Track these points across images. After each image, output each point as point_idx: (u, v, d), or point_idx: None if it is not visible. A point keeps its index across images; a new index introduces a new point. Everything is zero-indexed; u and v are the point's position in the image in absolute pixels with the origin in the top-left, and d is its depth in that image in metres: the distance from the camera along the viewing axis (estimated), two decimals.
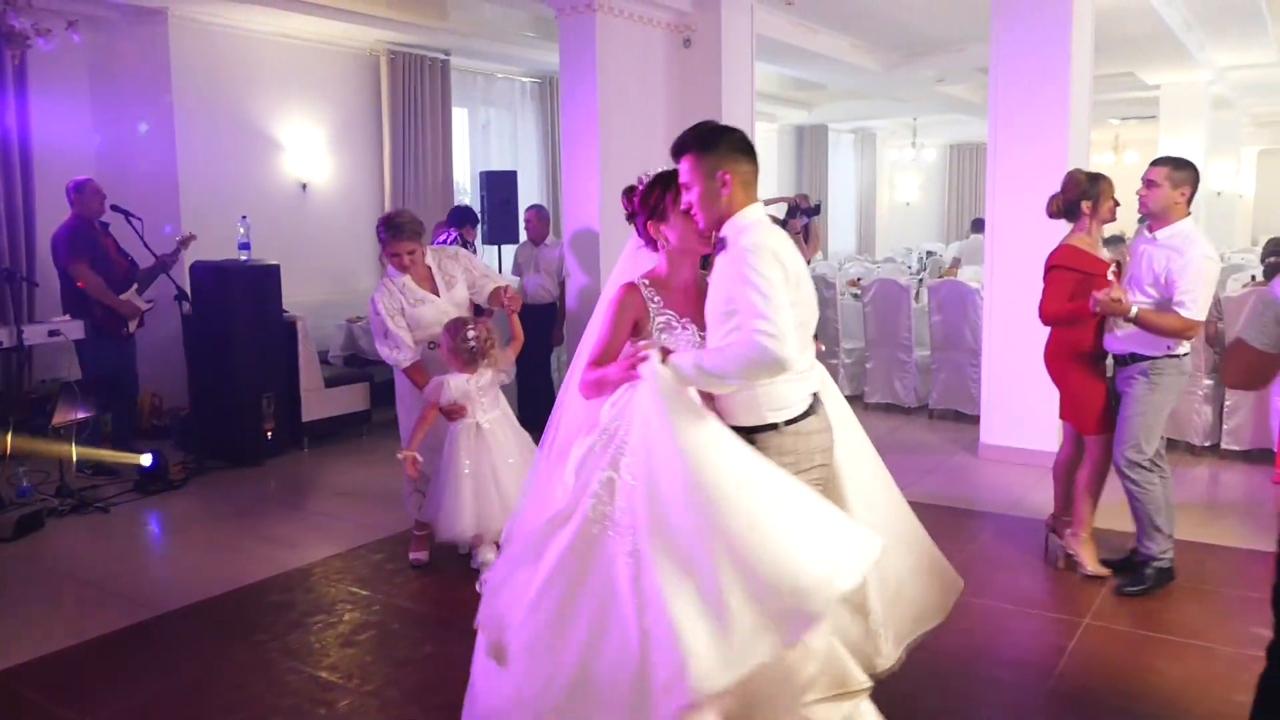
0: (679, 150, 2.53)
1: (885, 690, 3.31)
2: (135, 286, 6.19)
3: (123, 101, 7.37)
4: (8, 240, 6.76)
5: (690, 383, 2.42)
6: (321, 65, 8.38)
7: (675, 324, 2.62)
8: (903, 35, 10.13)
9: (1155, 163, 4.03)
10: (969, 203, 18.67)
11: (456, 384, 4.10)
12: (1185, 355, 4.02)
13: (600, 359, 2.58)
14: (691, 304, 2.62)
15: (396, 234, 4.20)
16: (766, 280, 2.33)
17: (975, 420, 6.68)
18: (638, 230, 2.73)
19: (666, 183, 2.60)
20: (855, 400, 8.06)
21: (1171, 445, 6.35)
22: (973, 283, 7.35)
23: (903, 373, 7.75)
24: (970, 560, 4.53)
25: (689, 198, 2.51)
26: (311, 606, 4.16)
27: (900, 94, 13.07)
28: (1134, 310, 3.83)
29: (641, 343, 2.52)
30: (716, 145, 2.49)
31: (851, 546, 2.32)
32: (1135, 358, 4.01)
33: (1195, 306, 3.82)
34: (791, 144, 15.85)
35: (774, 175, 15.01)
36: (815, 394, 2.67)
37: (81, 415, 5.71)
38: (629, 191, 2.74)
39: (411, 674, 3.55)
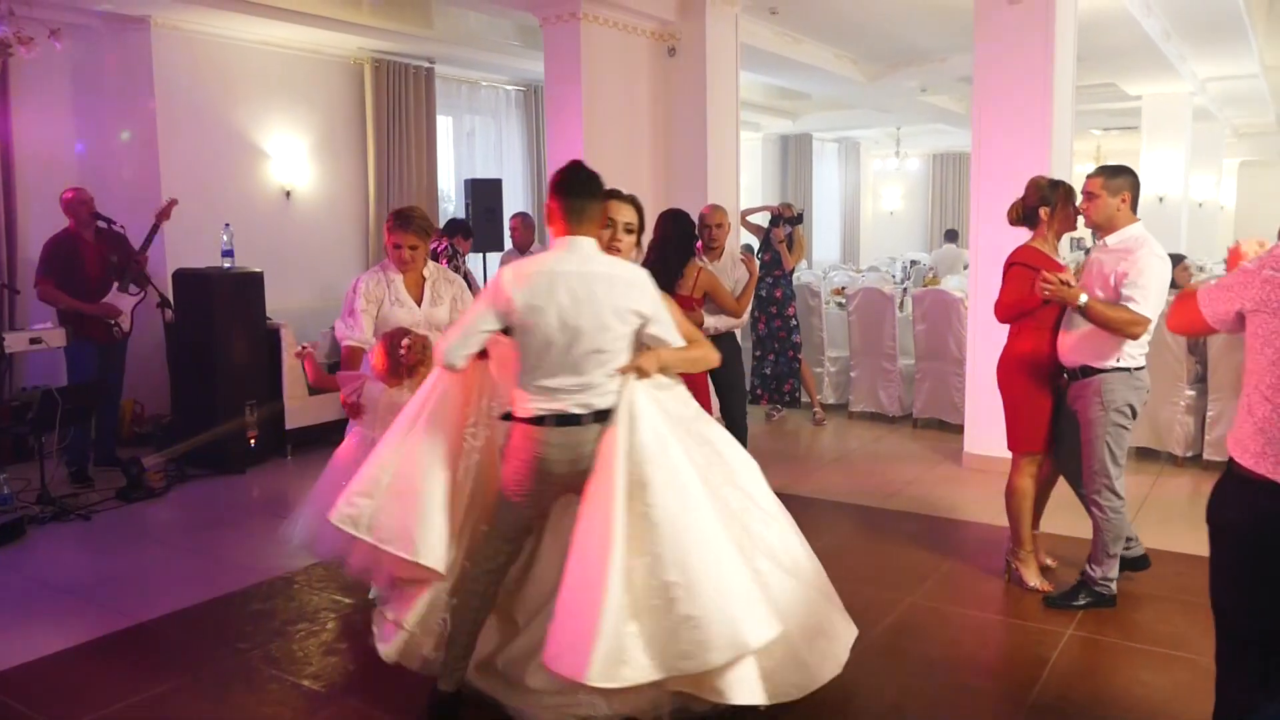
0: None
1: (870, 700, 3.33)
2: (115, 286, 6.15)
3: (105, 109, 7.34)
4: None
5: None
6: (305, 73, 8.37)
7: None
8: (886, 45, 10.20)
9: (1091, 174, 4.01)
10: (952, 212, 18.78)
11: (371, 389, 3.93)
12: (1138, 370, 3.93)
13: None
14: None
15: (404, 224, 4.10)
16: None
17: (959, 430, 6.71)
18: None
19: None
20: (840, 409, 8.11)
21: (1153, 455, 6.42)
22: (957, 292, 7.39)
23: (887, 382, 7.78)
24: (954, 570, 4.55)
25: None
26: (294, 615, 4.14)
27: (884, 104, 13.15)
28: (1083, 298, 3.77)
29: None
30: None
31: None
32: (1086, 371, 3.94)
33: (1145, 302, 3.77)
34: (776, 153, 15.92)
35: (759, 184, 15.07)
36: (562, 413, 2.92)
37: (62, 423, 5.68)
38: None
39: (394, 684, 3.53)
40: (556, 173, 2.99)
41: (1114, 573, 4.05)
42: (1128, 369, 3.91)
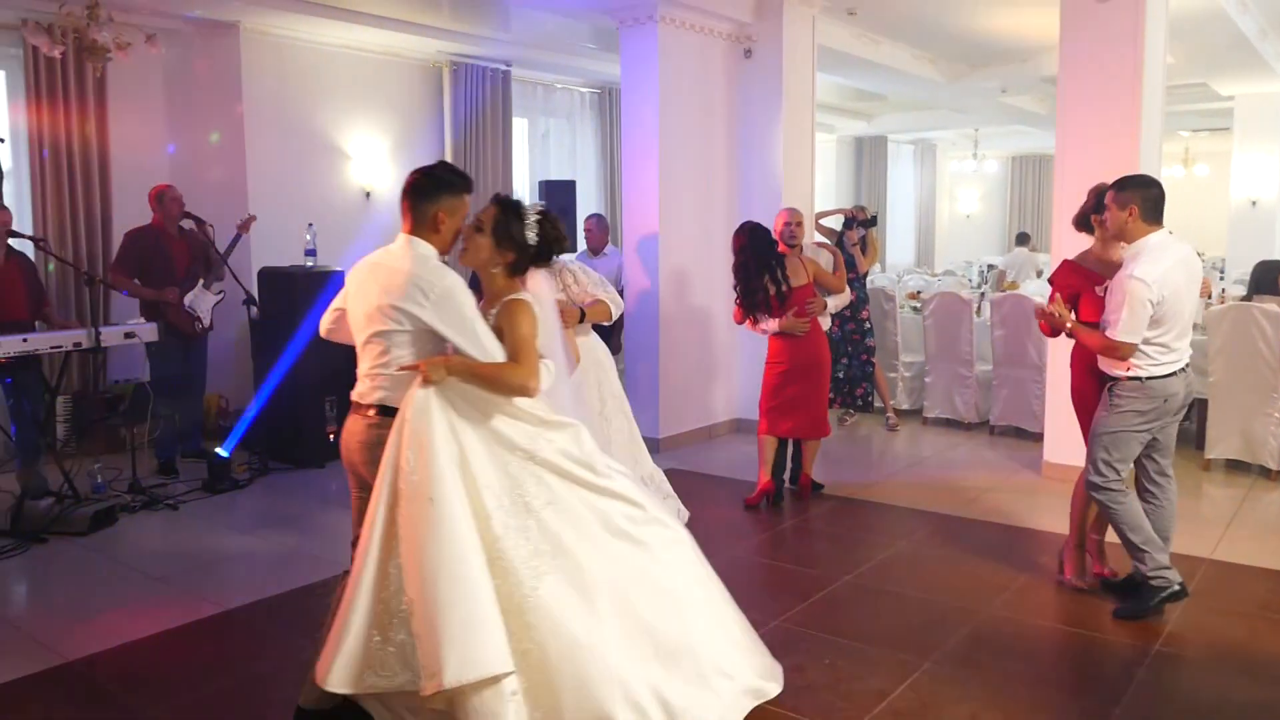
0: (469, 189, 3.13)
1: (945, 713, 3.27)
2: (201, 283, 6.35)
3: (196, 112, 7.57)
4: (86, 246, 6.99)
5: None
6: (386, 76, 8.53)
7: None
8: (967, 46, 10.03)
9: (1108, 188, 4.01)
10: (1032, 215, 18.37)
11: None
12: (1151, 379, 3.87)
13: None
14: None
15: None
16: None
17: (1038, 438, 6.56)
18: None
19: None
20: (913, 415, 7.99)
21: (1244, 468, 6.21)
22: (1037, 298, 7.23)
23: (963, 388, 7.64)
24: (1032, 582, 4.45)
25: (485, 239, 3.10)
26: None
27: (962, 105, 12.92)
28: (1069, 324, 3.93)
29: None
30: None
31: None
32: (1105, 378, 4.02)
33: (1115, 326, 3.77)
34: (850, 155, 15.75)
35: (833, 186, 14.92)
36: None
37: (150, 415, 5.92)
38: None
39: None
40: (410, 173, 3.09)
41: (1162, 559, 3.97)
42: (1139, 379, 3.89)
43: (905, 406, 8.11)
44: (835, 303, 5.75)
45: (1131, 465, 4.09)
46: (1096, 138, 5.88)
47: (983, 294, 9.07)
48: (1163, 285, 3.76)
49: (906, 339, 8.21)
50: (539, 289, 3.23)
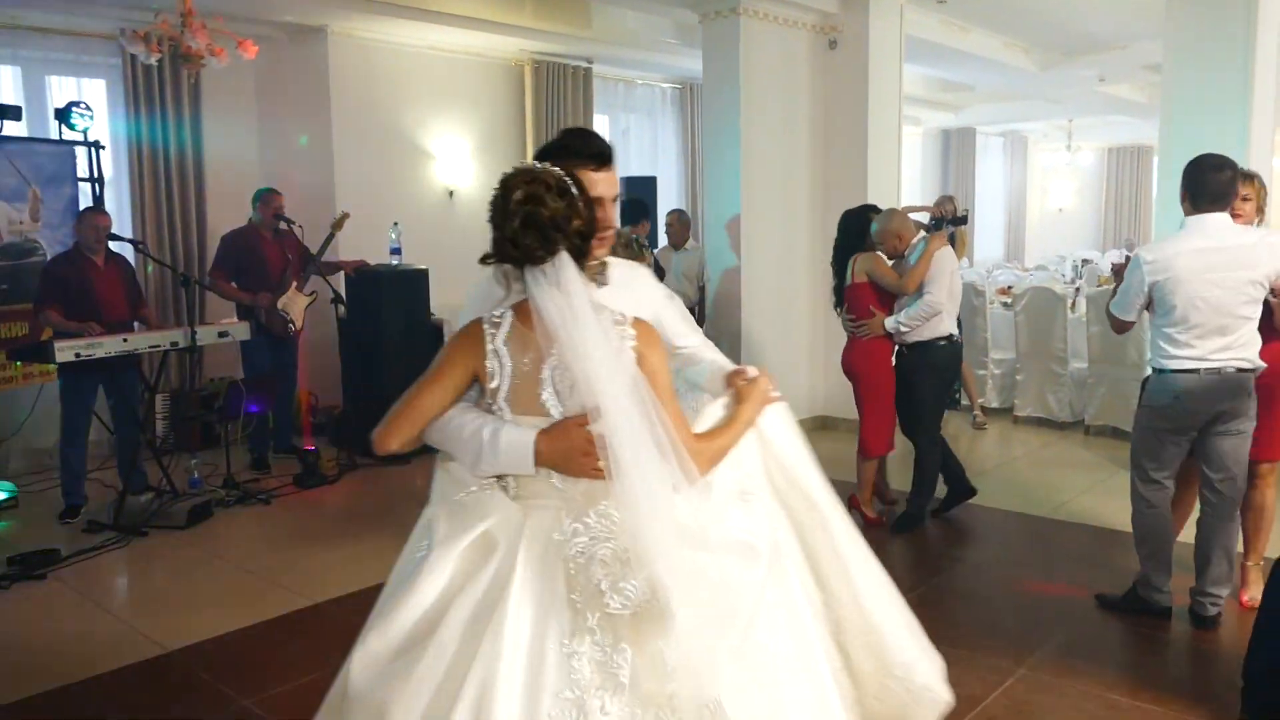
0: (607, 159, 2.10)
1: None
2: (295, 285, 6.50)
3: (286, 115, 7.76)
4: (183, 248, 7.22)
5: None
6: (469, 76, 8.62)
7: None
8: (1061, 33, 9.69)
9: None
10: (1128, 210, 17.72)
11: None
12: (1162, 372, 3.70)
13: None
14: None
15: None
16: None
17: None
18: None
19: None
20: (1003, 413, 7.75)
21: None
22: None
23: (1056, 386, 7.39)
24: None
25: (608, 212, 2.09)
26: None
27: (1055, 94, 12.50)
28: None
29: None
30: None
31: None
32: None
33: (1112, 297, 3.88)
34: (937, 148, 15.38)
35: (919, 180, 14.59)
36: None
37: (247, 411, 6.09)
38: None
39: None
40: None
41: (1159, 581, 3.84)
42: (1154, 369, 3.77)
43: (994, 405, 7.87)
44: (911, 312, 4.94)
45: (1170, 472, 3.83)
46: (1203, 126, 5.61)
47: (1077, 289, 8.76)
48: (1164, 269, 3.58)
49: (996, 335, 7.97)
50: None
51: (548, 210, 1.85)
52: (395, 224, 7.05)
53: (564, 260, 1.84)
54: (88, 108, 6.28)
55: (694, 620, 1.76)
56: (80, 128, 6.24)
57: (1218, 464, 3.72)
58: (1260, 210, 3.90)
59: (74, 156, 6.38)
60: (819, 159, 7.51)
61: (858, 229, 5.20)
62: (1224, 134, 5.52)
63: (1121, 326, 3.89)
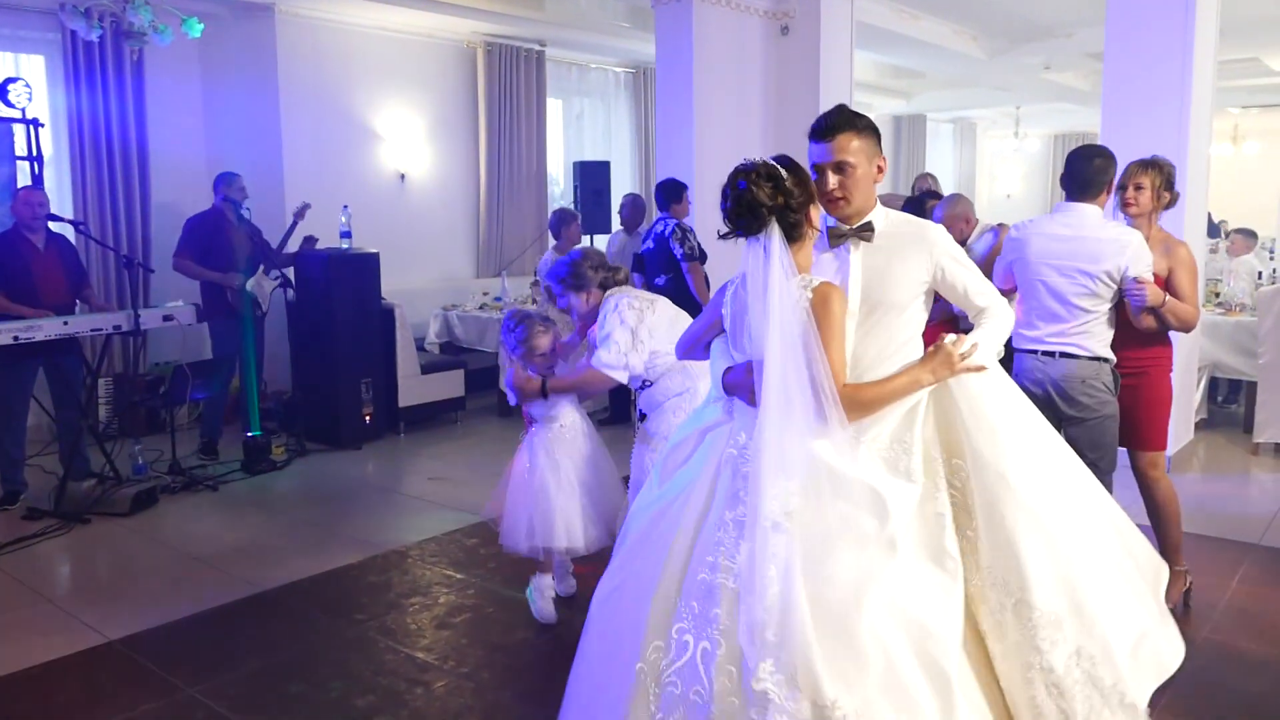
0: (836, 128, 2.41)
1: None
2: (262, 269, 6.44)
3: (232, 94, 7.61)
4: (125, 229, 7.07)
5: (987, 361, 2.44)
6: (420, 57, 8.52)
7: None
8: (1008, 20, 9.82)
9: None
10: None
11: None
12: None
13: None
14: None
15: None
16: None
17: None
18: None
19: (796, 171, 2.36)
20: None
21: None
22: None
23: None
24: None
25: (840, 179, 2.41)
26: (408, 588, 4.24)
27: (1003, 82, 12.68)
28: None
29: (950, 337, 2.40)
30: (875, 132, 2.48)
31: None
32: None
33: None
34: (889, 134, 15.51)
35: None
36: None
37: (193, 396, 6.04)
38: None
39: (504, 657, 3.59)
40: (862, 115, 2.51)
41: None
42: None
43: None
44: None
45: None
46: (1143, 115, 5.73)
47: None
48: (1016, 248, 3.63)
49: None
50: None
51: (749, 195, 2.24)
52: (345, 207, 6.96)
53: (772, 230, 2.25)
54: (26, 84, 6.10)
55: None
56: (18, 104, 6.06)
57: (1079, 449, 3.66)
58: (1157, 198, 3.74)
59: (11, 134, 6.20)
60: (771, 144, 7.54)
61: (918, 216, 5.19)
62: (1163, 122, 5.64)
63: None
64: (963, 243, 4.99)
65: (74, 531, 4.98)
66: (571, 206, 8.24)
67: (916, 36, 9.56)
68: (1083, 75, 12.60)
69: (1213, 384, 7.09)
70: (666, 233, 6.47)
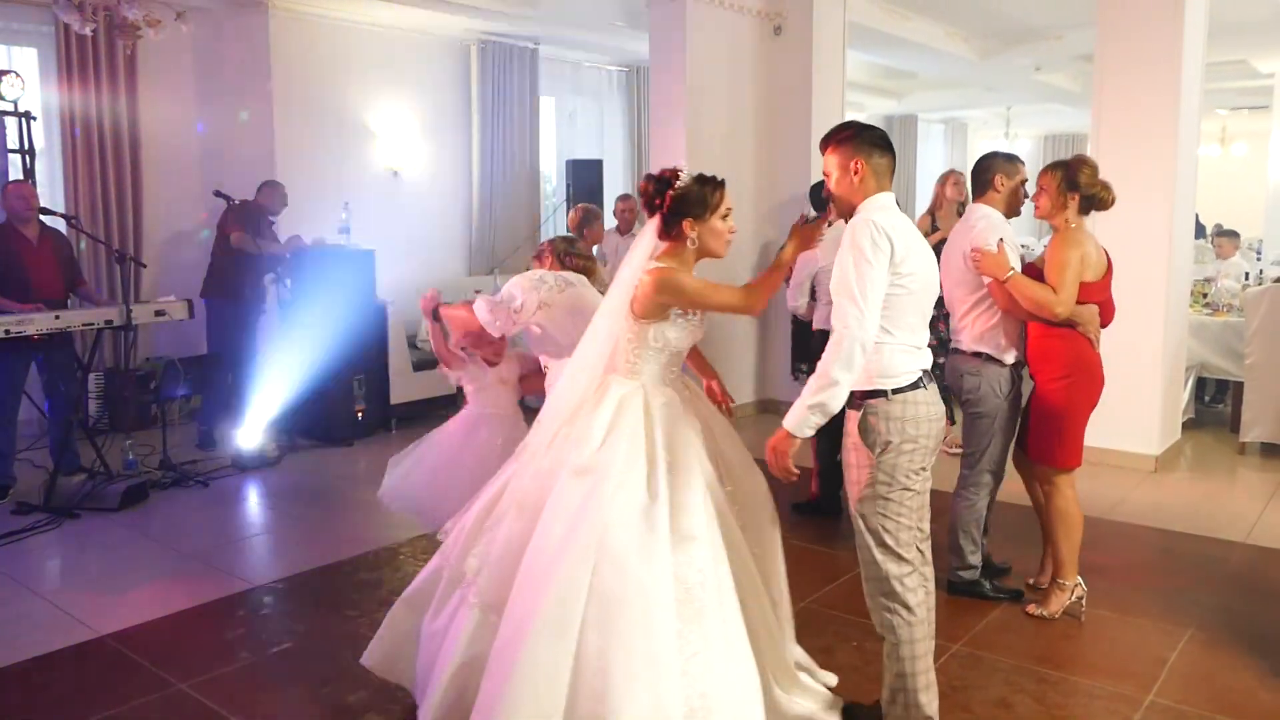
0: (822, 145, 2.87)
1: (974, 696, 3.24)
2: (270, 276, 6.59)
3: (225, 90, 7.59)
4: (118, 223, 7.05)
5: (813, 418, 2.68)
6: (413, 54, 8.51)
7: (685, 312, 2.85)
8: (1000, 22, 9.86)
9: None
10: None
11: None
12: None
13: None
14: None
15: None
16: (865, 261, 2.61)
17: None
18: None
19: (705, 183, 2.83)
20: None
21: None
22: None
23: None
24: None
25: (828, 186, 2.82)
26: (399, 585, 4.22)
27: (994, 83, 12.73)
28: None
29: None
30: (851, 139, 2.77)
31: None
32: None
33: None
34: None
35: None
36: (926, 370, 2.79)
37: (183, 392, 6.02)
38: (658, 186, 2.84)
39: None
40: (850, 125, 2.88)
41: (959, 561, 4.02)
42: None
43: None
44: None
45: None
46: (1133, 116, 5.77)
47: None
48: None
49: None
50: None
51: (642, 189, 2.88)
52: (346, 204, 6.97)
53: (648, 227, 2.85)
54: (19, 77, 6.08)
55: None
56: (11, 97, 6.04)
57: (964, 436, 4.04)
58: (1062, 199, 3.80)
59: (3, 127, 6.19)
60: (764, 144, 7.57)
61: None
62: (1152, 123, 5.68)
63: None
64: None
65: (64, 526, 4.98)
66: (570, 206, 8.24)
67: (908, 37, 9.59)
68: (1073, 77, 12.65)
69: (1200, 384, 7.15)
70: None
